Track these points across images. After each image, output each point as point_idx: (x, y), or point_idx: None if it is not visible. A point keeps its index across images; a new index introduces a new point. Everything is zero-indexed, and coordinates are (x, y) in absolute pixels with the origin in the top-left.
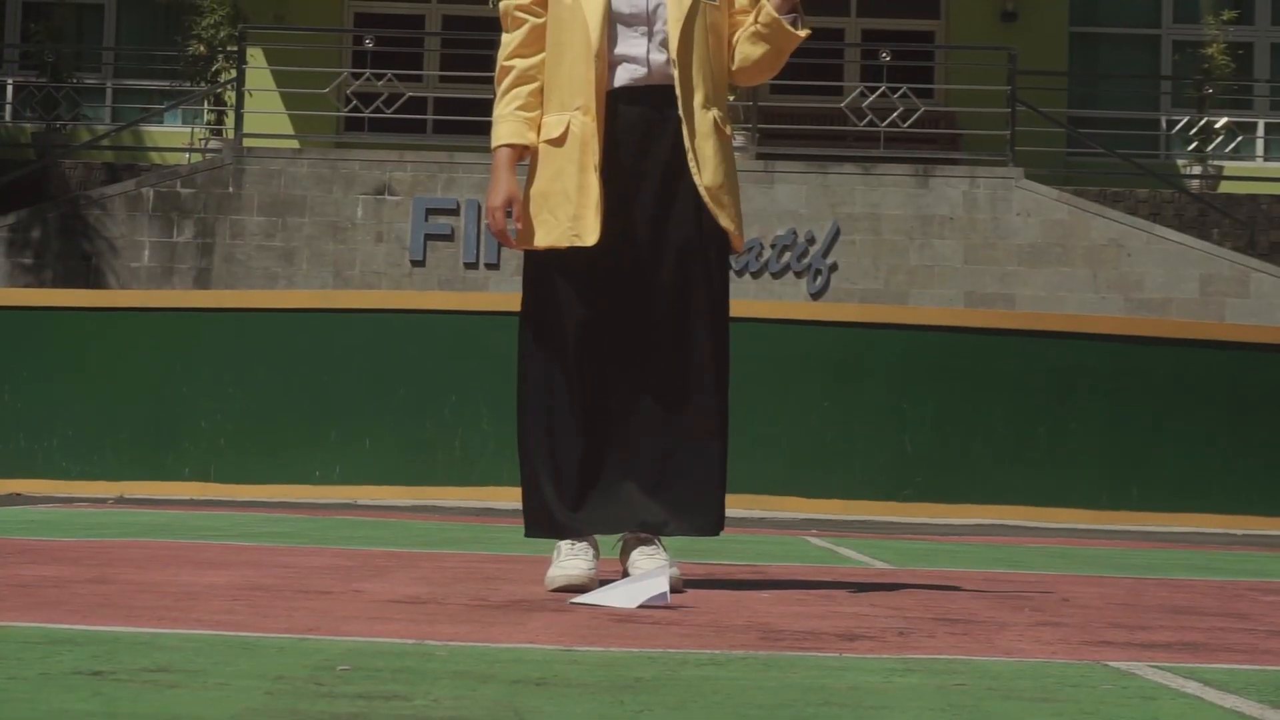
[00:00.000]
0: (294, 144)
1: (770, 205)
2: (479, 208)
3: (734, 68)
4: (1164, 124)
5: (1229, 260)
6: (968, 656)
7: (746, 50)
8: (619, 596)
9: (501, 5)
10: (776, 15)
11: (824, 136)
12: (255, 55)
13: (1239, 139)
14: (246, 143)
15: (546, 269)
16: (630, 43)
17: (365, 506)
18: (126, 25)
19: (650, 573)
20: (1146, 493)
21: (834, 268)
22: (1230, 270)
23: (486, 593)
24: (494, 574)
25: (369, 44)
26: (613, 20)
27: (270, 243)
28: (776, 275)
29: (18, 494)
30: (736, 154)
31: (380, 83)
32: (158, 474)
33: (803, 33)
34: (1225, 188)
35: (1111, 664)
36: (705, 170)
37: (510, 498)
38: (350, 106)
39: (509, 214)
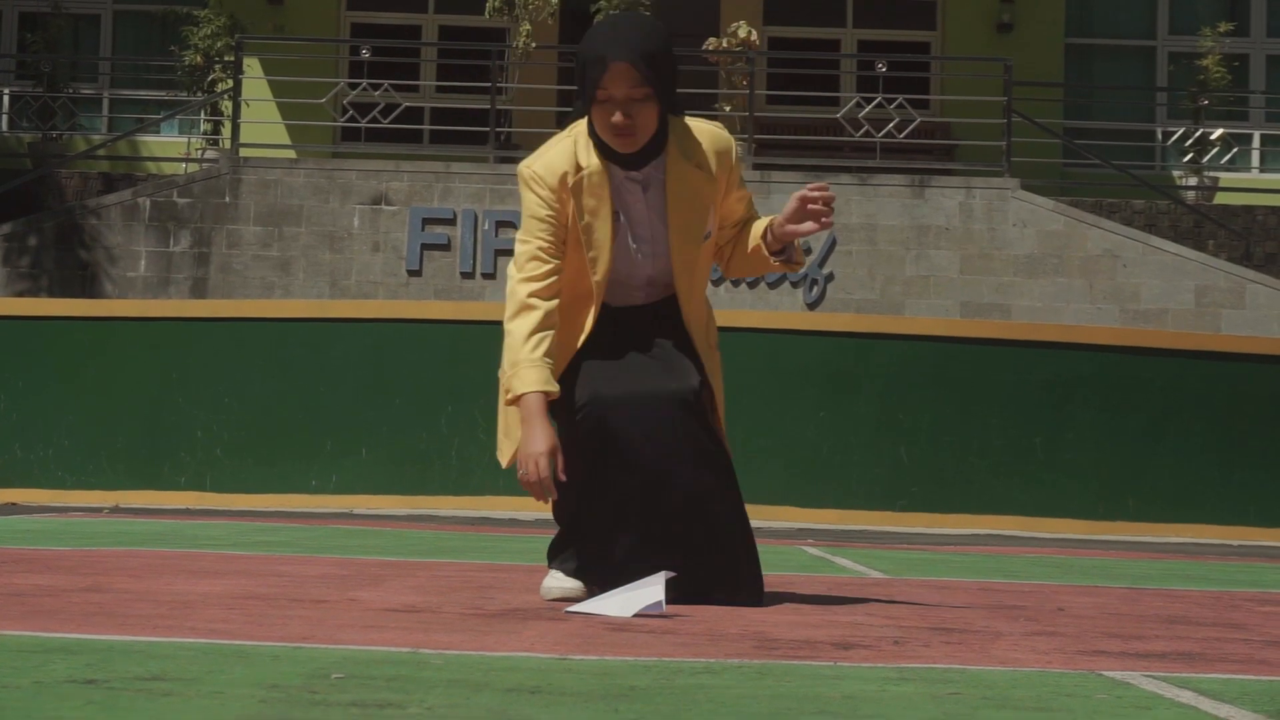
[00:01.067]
0: (290, 154)
1: (767, 215)
2: (475, 217)
3: (724, 270)
4: (1160, 135)
5: (1225, 271)
6: (963, 666)
7: (740, 264)
8: (614, 605)
9: (519, 236)
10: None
11: (820, 147)
12: (252, 65)
13: (1235, 150)
14: (243, 153)
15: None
16: (630, 264)
17: (361, 516)
18: (123, 36)
19: (645, 581)
20: (1142, 503)
21: (830, 278)
22: (1226, 281)
23: (481, 602)
24: (489, 583)
25: (365, 54)
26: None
27: (267, 252)
28: (773, 285)
29: (13, 503)
30: None
31: (377, 93)
32: (153, 483)
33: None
34: (1221, 199)
35: (1107, 674)
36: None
37: (505, 506)
38: (347, 116)
39: (552, 464)
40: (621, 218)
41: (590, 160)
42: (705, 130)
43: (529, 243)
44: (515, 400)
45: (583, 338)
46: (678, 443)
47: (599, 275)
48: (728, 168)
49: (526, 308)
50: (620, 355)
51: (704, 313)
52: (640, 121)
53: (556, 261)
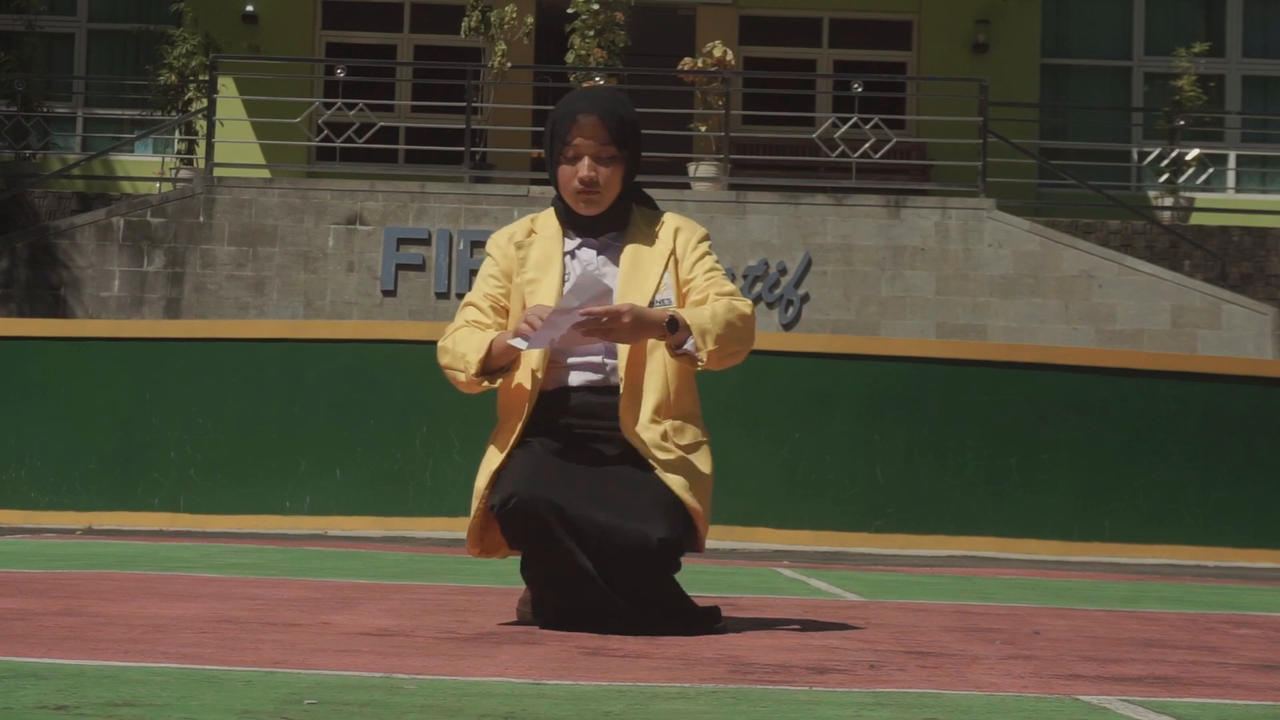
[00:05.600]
0: (265, 173)
1: (742, 236)
2: (450, 237)
3: None
4: (1135, 156)
5: (1200, 292)
6: (938, 690)
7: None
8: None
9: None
10: (673, 356)
11: (796, 167)
12: (227, 84)
13: (1210, 171)
14: (217, 172)
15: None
16: (582, 352)
17: (335, 537)
18: (97, 55)
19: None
20: (1118, 524)
21: (806, 298)
22: (1202, 302)
23: (456, 625)
24: (464, 606)
25: (341, 74)
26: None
27: (241, 272)
28: None
29: None
30: (708, 185)
31: (352, 112)
32: (127, 504)
33: (702, 357)
34: (1197, 219)
35: (1083, 698)
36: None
37: None
38: (322, 136)
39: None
40: (570, 277)
41: (548, 225)
42: (674, 215)
43: (470, 296)
44: (481, 367)
45: (522, 422)
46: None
47: None
48: (691, 243)
49: (459, 329)
50: (563, 456)
51: (666, 401)
52: (605, 181)
53: (494, 317)
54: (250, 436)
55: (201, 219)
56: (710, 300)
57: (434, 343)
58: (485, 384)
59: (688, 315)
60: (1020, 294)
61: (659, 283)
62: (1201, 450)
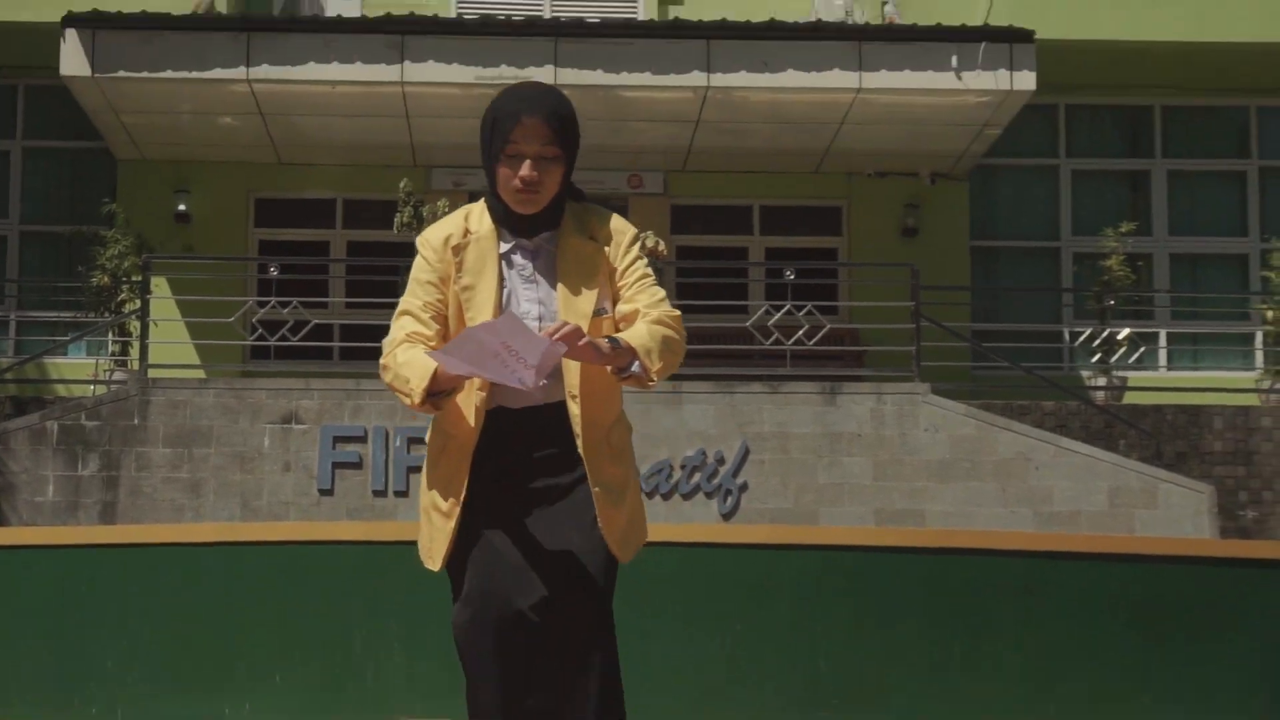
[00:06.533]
0: (200, 374)
1: (679, 426)
2: (386, 434)
3: None
4: (1067, 336)
5: (1137, 472)
6: None
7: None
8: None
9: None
10: (620, 379)
11: (731, 355)
12: (160, 285)
13: (1142, 350)
14: (151, 373)
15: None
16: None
17: None
18: (29, 257)
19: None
20: (1064, 708)
21: (744, 488)
22: (1138, 481)
23: None
24: None
25: (273, 271)
26: None
27: (177, 474)
28: (687, 496)
29: None
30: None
31: (286, 310)
32: (63, 715)
33: (654, 375)
34: (1130, 398)
35: None
36: (611, 507)
37: None
38: (256, 335)
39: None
40: (507, 284)
41: (482, 224)
42: (603, 211)
43: (406, 303)
44: (425, 395)
45: (468, 458)
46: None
47: None
48: (623, 246)
49: (400, 345)
50: (510, 513)
51: (606, 413)
52: (546, 181)
53: (435, 326)
54: (188, 642)
55: (136, 421)
56: (641, 314)
57: (371, 543)
58: (431, 407)
59: (630, 338)
60: (957, 478)
61: (596, 299)
62: (1144, 631)
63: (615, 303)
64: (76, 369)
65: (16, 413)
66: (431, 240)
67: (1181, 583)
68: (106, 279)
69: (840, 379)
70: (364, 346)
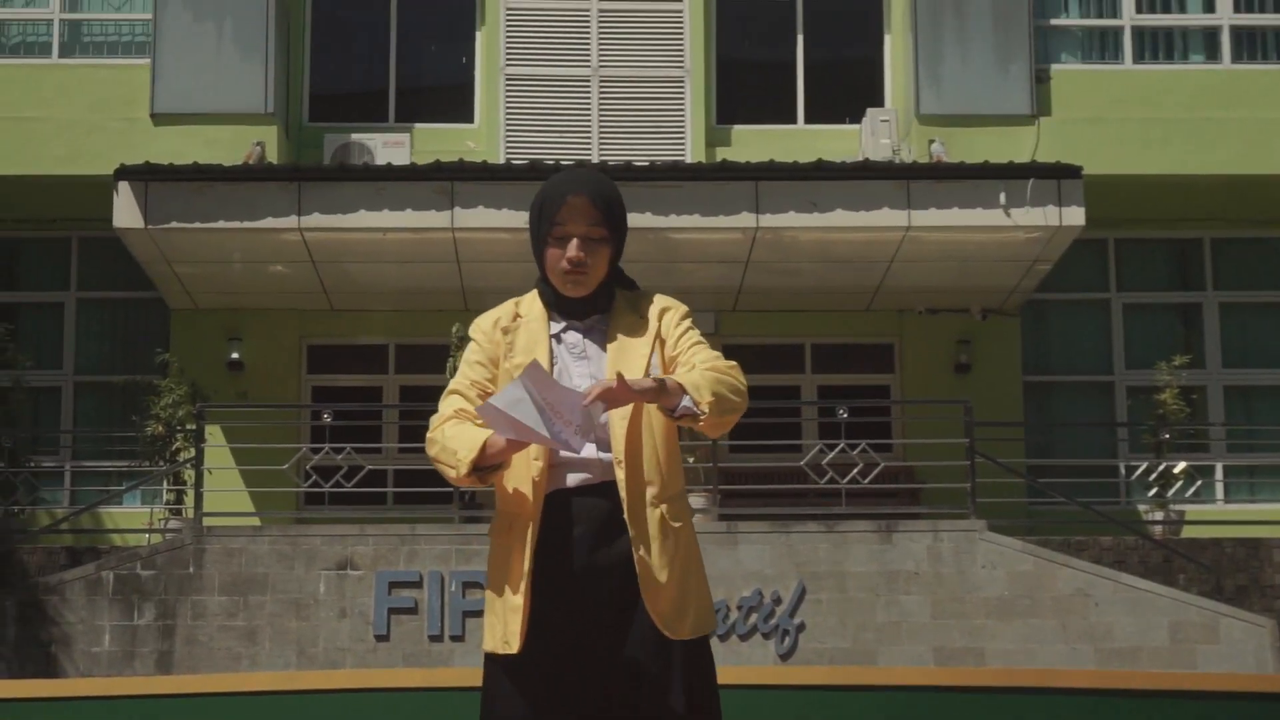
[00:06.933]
0: (254, 521)
1: (735, 566)
2: (442, 579)
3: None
4: (1123, 470)
5: (1197, 606)
6: None
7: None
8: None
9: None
10: (673, 419)
11: (786, 495)
12: (214, 433)
13: (1199, 483)
14: (206, 521)
15: (498, 677)
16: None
17: None
18: (84, 407)
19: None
20: None
21: (801, 628)
22: (1199, 616)
23: None
24: None
25: (327, 418)
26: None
27: (232, 622)
28: (744, 638)
29: None
30: (698, 517)
31: (339, 456)
32: None
33: (704, 408)
34: (1189, 532)
35: None
36: (657, 580)
37: None
38: (310, 481)
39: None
40: (558, 360)
41: (532, 308)
42: (658, 294)
43: (455, 383)
44: (473, 466)
45: (530, 539)
46: None
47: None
48: (674, 319)
49: (447, 420)
50: (568, 612)
51: (658, 483)
52: (593, 262)
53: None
54: None
55: (191, 569)
56: (696, 365)
57: (429, 689)
58: (477, 481)
59: (678, 376)
60: (1017, 615)
61: (646, 367)
62: None
63: (669, 373)
64: (131, 518)
65: (72, 563)
66: (481, 324)
67: (1245, 719)
68: (161, 428)
69: (896, 517)
70: (418, 491)
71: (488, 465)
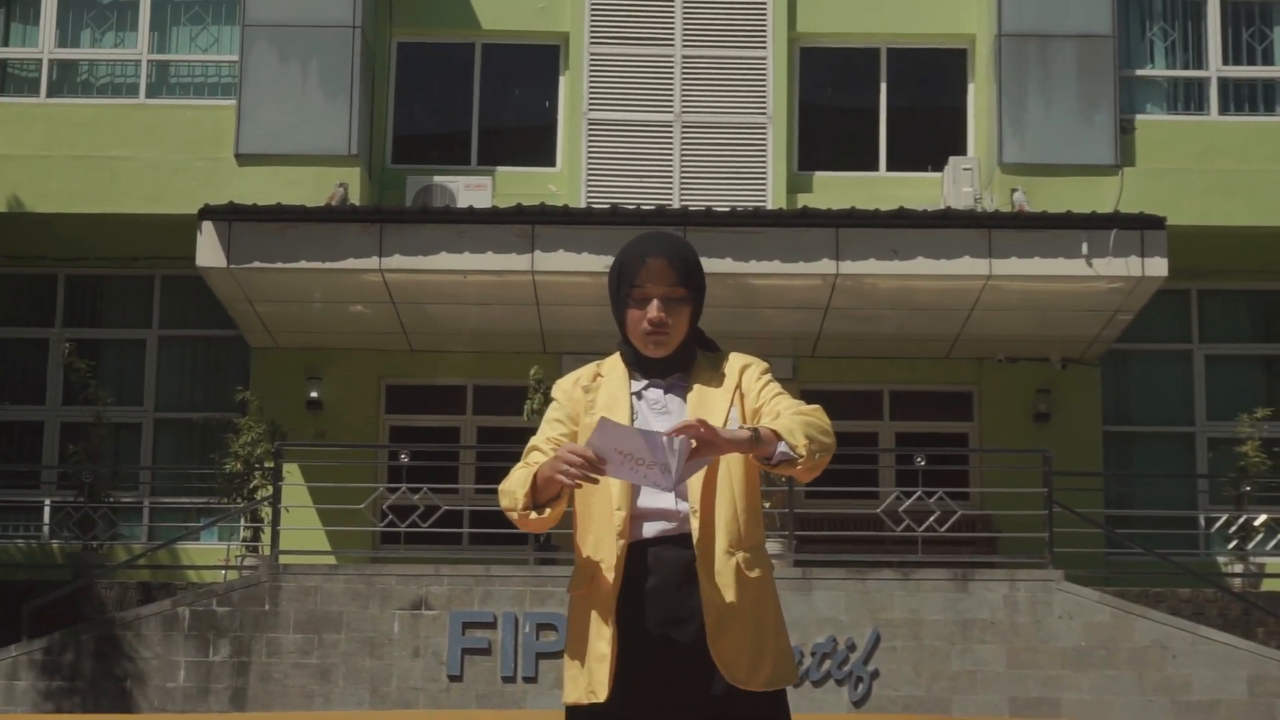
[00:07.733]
0: (330, 559)
1: (810, 612)
2: (515, 620)
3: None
4: (1203, 522)
5: (1277, 660)
6: None
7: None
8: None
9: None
10: (771, 467)
11: (861, 541)
12: (292, 471)
13: (1279, 536)
14: (282, 559)
15: None
16: (653, 494)
17: None
18: (163, 444)
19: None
20: None
21: (875, 675)
22: (1279, 670)
23: None
24: None
25: (404, 458)
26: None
27: (307, 660)
28: (818, 684)
29: None
30: (775, 561)
31: (416, 496)
32: None
33: (801, 452)
34: (1269, 585)
35: None
36: (725, 631)
37: None
38: (386, 521)
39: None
40: (638, 416)
41: (614, 368)
42: (737, 353)
43: (534, 440)
44: (528, 501)
45: (614, 601)
46: None
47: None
48: (754, 374)
49: (516, 469)
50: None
51: (735, 534)
52: (674, 322)
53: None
54: None
55: (267, 607)
56: (782, 412)
57: None
58: (534, 516)
59: (769, 424)
60: (1093, 666)
61: (725, 419)
62: None
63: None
64: (208, 554)
65: (148, 599)
66: (563, 384)
67: None
68: (239, 465)
69: (972, 565)
70: (493, 532)
71: (542, 502)
